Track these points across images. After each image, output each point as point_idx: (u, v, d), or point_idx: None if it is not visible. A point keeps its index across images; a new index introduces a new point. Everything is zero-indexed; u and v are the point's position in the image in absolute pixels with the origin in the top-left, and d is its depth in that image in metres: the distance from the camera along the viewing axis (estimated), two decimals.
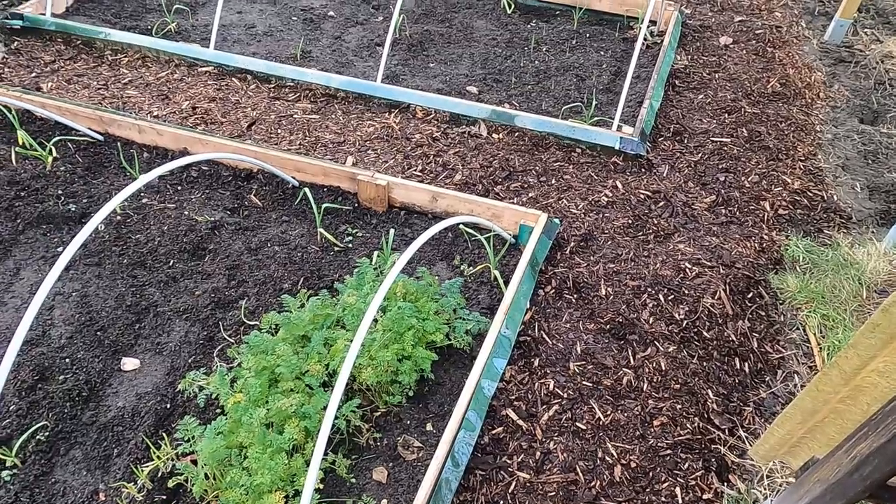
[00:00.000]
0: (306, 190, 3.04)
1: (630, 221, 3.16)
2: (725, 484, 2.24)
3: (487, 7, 5.02)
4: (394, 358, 2.30)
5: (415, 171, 3.44)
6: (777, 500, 1.97)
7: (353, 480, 2.16)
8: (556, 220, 3.03)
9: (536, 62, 4.40)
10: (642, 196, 3.30)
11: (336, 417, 2.21)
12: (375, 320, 2.47)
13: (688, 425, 2.35)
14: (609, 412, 2.38)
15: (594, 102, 3.88)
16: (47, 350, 2.52)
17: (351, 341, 2.33)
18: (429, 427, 2.33)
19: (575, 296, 2.81)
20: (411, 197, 3.13)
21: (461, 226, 2.99)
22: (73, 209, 3.10)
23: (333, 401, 1.69)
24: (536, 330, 2.65)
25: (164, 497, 2.12)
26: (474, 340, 2.53)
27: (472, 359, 2.54)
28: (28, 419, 2.30)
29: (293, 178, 3.22)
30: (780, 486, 2.23)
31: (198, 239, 2.97)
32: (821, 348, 2.68)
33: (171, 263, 2.89)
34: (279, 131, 3.67)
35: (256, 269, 2.85)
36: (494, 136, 3.69)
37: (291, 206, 3.19)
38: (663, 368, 2.52)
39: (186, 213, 3.09)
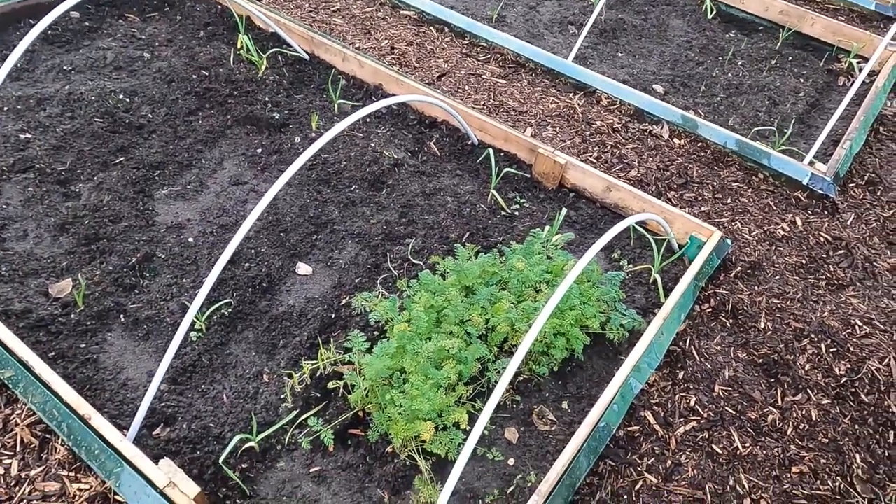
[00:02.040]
0: (490, 150, 3.13)
1: (803, 262, 3.02)
2: None
3: (688, 8, 4.85)
4: (551, 331, 2.37)
5: (590, 156, 3.44)
6: None
7: (487, 432, 2.27)
8: (728, 241, 2.95)
9: (729, 75, 4.23)
10: (821, 239, 3.14)
11: (488, 371, 2.32)
12: (538, 290, 2.54)
13: (829, 482, 2.27)
14: (748, 444, 2.34)
15: (787, 131, 3.69)
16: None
17: (514, 304, 2.42)
18: (564, 405, 2.40)
19: (731, 321, 2.75)
20: (585, 181, 3.15)
21: (634, 223, 2.98)
22: (276, 117, 3.36)
23: (513, 363, 1.78)
24: (687, 343, 2.63)
25: (319, 395, 2.32)
26: (627, 336, 2.55)
27: (616, 353, 2.56)
28: (217, 293, 2.57)
29: (475, 135, 3.32)
30: None
31: (379, 171, 3.14)
32: None
33: (352, 188, 3.08)
34: (466, 88, 3.77)
35: (427, 213, 2.99)
36: (675, 140, 3.61)
37: (466, 162, 3.29)
38: (812, 418, 2.44)
39: (373, 145, 3.27)
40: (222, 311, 2.53)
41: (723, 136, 3.53)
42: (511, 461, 2.23)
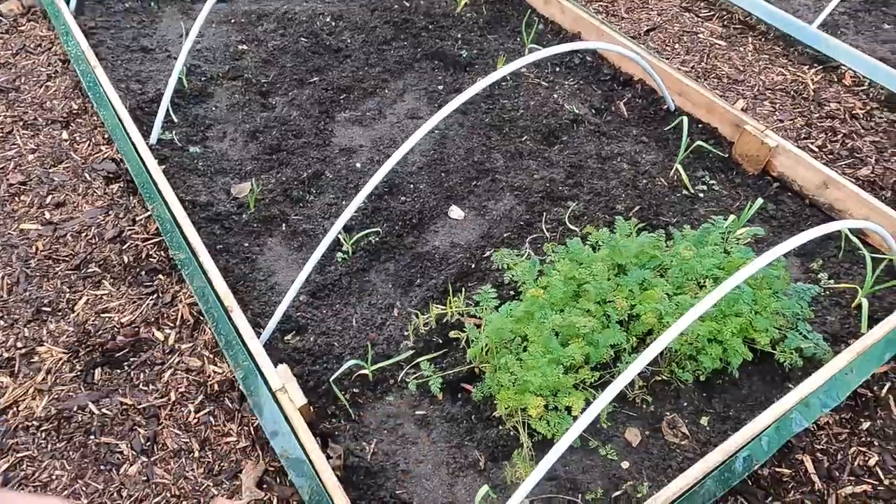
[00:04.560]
0: (684, 119, 2.75)
1: None
2: None
3: None
4: (705, 335, 2.04)
5: (811, 143, 2.87)
6: None
7: (606, 426, 2.06)
8: None
9: None
10: None
11: (621, 362, 2.09)
12: (702, 286, 2.21)
13: None
14: None
15: None
16: (400, 170, 2.80)
17: (668, 294, 2.13)
18: (703, 421, 2.08)
19: None
20: (796, 171, 2.64)
21: (847, 230, 2.44)
22: (464, 56, 3.28)
23: (647, 354, 1.54)
24: (884, 391, 2.12)
25: (440, 342, 2.27)
26: (802, 363, 2.12)
27: (785, 379, 2.16)
28: (368, 221, 2.62)
29: (673, 101, 2.93)
30: None
31: (556, 125, 2.93)
32: None
33: (523, 138, 2.92)
34: (676, 46, 3.34)
35: (596, 178, 2.74)
36: None
37: (656, 130, 2.94)
38: None
39: (555, 96, 3.06)
40: (370, 238, 2.58)
41: None
42: (625, 464, 2.00)
